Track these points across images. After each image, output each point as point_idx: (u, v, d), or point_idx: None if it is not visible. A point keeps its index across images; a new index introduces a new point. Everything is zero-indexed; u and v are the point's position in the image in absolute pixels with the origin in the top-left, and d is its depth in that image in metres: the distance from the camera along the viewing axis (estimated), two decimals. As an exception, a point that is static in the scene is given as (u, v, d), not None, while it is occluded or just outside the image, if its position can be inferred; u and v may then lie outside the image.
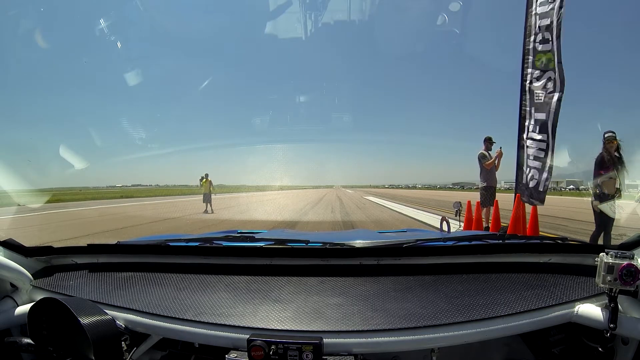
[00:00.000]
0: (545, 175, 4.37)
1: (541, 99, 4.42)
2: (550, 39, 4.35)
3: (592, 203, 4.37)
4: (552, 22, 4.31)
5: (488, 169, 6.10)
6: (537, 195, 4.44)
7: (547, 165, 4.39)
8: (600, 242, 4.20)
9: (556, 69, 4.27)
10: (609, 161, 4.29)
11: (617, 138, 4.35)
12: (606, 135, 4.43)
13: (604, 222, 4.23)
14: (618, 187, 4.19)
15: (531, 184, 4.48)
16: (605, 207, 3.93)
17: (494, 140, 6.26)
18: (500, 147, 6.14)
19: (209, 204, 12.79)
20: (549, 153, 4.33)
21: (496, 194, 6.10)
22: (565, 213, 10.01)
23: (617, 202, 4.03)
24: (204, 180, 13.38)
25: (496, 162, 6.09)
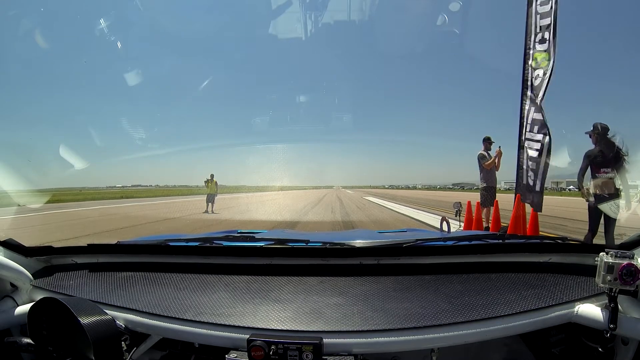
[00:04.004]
0: (541, 175, 4.38)
1: (538, 99, 4.43)
2: (547, 39, 4.37)
3: (589, 202, 4.03)
4: (550, 21, 4.33)
5: (488, 169, 6.09)
6: (536, 196, 4.44)
7: (543, 165, 4.39)
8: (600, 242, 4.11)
9: (549, 68, 4.28)
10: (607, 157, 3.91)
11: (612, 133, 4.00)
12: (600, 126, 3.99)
13: (601, 221, 3.94)
14: (618, 186, 3.89)
15: (536, 186, 4.46)
16: (605, 207, 3.85)
17: (493, 140, 6.26)
18: (500, 147, 6.14)
19: (210, 204, 12.82)
20: (544, 153, 4.33)
21: (496, 194, 6.11)
22: (565, 213, 10.02)
23: (619, 201, 3.86)
24: (209, 181, 13.47)
25: (496, 161, 6.08)
